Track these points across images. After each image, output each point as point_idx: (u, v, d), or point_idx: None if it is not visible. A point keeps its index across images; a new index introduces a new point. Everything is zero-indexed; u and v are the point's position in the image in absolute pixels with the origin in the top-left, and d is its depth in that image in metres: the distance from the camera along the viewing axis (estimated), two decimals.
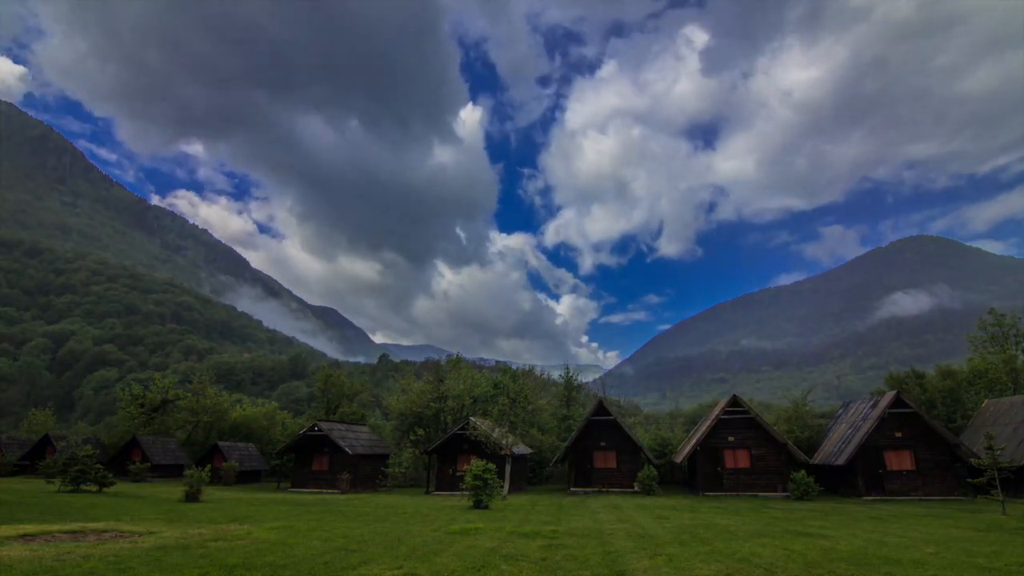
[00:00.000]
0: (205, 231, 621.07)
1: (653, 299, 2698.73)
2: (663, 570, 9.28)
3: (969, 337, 43.93)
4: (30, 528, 12.60)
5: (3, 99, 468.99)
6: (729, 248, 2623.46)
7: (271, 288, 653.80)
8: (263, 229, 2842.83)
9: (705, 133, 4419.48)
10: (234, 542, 11.57)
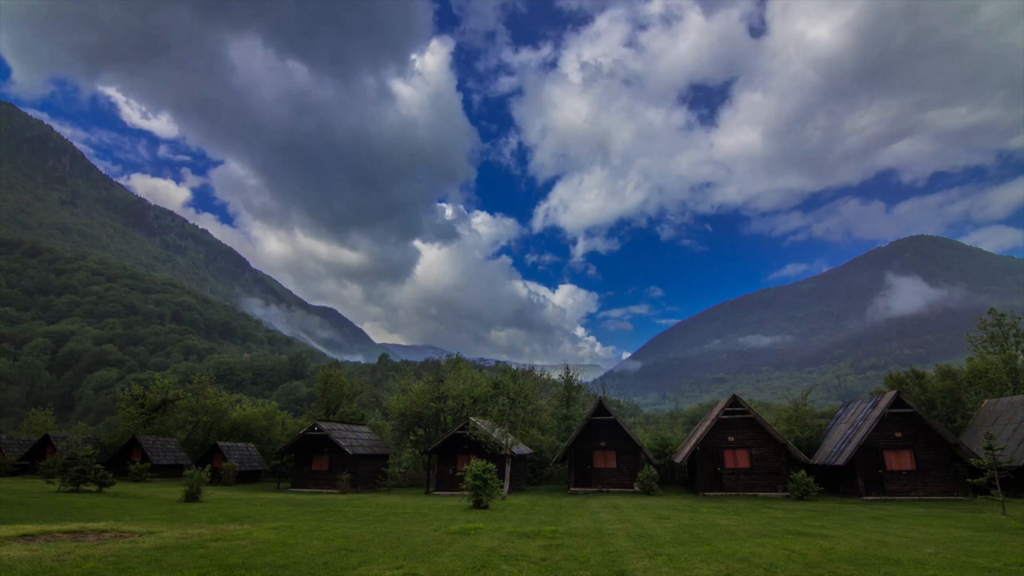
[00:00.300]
0: (205, 231, 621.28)
1: (653, 291, 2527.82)
2: (663, 570, 9.28)
3: (969, 337, 43.90)
4: (30, 528, 12.60)
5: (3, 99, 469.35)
6: (732, 234, 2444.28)
7: (271, 288, 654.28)
8: (203, 203, 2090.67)
9: (709, 97, 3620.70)
10: (234, 542, 11.57)
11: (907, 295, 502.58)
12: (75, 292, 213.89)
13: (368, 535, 13.17)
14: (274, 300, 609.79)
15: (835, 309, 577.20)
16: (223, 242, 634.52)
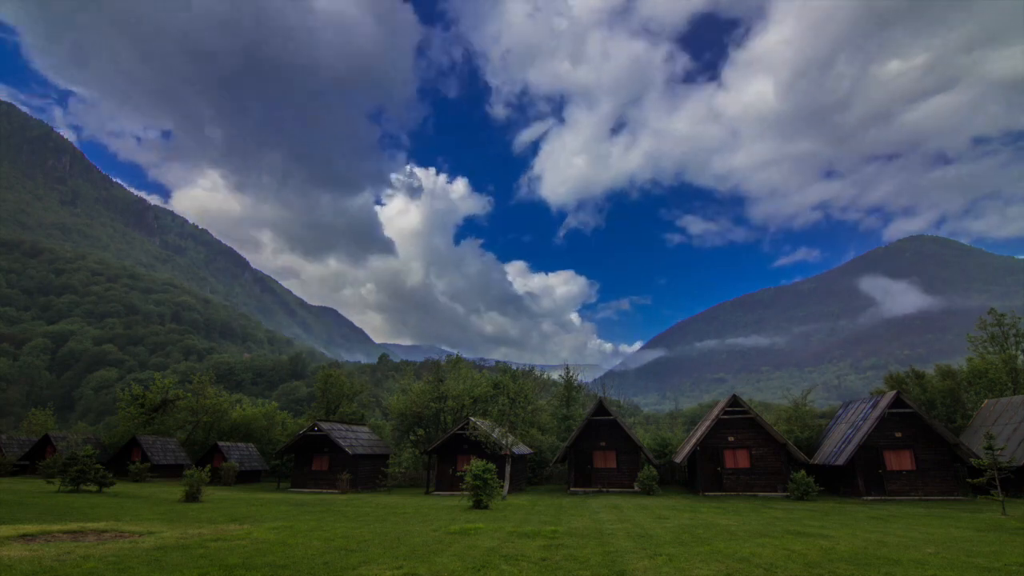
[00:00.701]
0: (205, 231, 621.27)
1: (652, 279, 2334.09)
2: (663, 570, 9.28)
3: (969, 337, 43.88)
4: (30, 528, 12.59)
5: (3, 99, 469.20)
6: (739, 211, 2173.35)
7: (271, 288, 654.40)
8: (98, 151, 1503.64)
9: (715, 35, 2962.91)
10: (234, 542, 11.57)
11: (907, 295, 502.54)
12: (75, 292, 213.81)
13: (368, 535, 13.17)
14: (274, 299, 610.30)
15: (835, 309, 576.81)
16: (223, 242, 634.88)
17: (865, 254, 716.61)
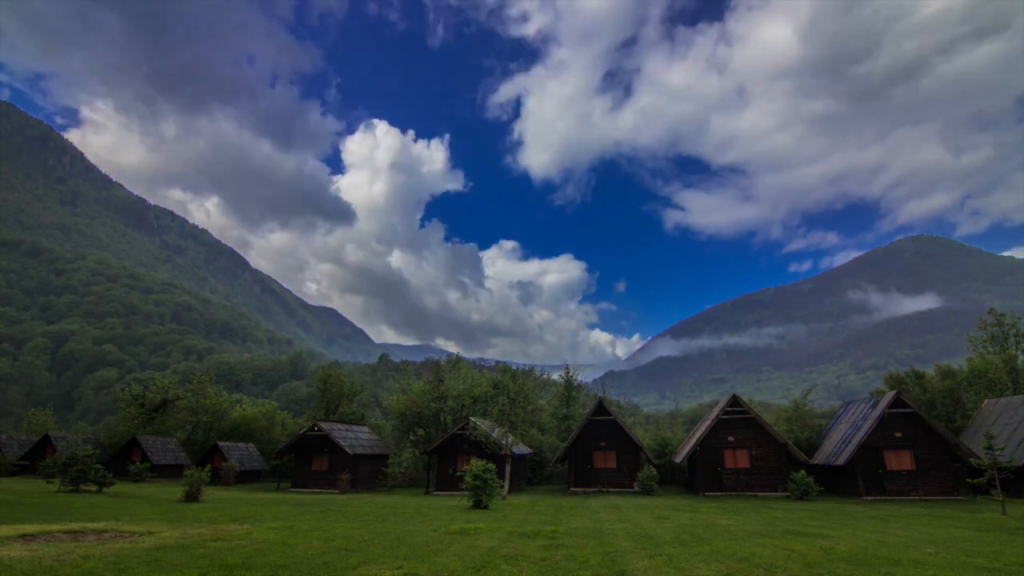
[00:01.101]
0: (205, 231, 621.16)
1: (658, 271, 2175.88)
2: (663, 570, 9.28)
3: (969, 337, 43.88)
4: (30, 528, 12.60)
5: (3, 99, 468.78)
6: (745, 188, 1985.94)
7: (270, 288, 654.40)
8: None
9: None
10: (234, 542, 11.57)
11: (907, 295, 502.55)
12: (75, 292, 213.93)
13: (368, 535, 13.17)
14: (274, 299, 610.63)
15: (835, 309, 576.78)
16: (223, 242, 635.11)
17: (865, 254, 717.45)
